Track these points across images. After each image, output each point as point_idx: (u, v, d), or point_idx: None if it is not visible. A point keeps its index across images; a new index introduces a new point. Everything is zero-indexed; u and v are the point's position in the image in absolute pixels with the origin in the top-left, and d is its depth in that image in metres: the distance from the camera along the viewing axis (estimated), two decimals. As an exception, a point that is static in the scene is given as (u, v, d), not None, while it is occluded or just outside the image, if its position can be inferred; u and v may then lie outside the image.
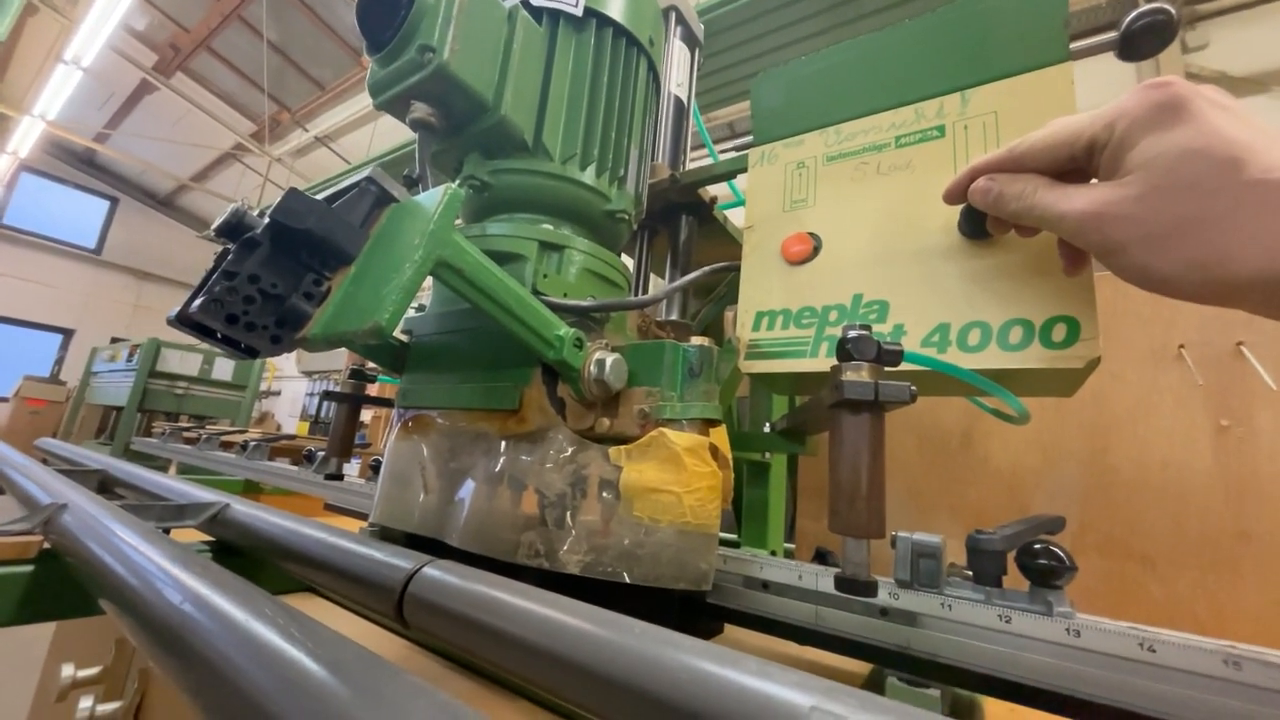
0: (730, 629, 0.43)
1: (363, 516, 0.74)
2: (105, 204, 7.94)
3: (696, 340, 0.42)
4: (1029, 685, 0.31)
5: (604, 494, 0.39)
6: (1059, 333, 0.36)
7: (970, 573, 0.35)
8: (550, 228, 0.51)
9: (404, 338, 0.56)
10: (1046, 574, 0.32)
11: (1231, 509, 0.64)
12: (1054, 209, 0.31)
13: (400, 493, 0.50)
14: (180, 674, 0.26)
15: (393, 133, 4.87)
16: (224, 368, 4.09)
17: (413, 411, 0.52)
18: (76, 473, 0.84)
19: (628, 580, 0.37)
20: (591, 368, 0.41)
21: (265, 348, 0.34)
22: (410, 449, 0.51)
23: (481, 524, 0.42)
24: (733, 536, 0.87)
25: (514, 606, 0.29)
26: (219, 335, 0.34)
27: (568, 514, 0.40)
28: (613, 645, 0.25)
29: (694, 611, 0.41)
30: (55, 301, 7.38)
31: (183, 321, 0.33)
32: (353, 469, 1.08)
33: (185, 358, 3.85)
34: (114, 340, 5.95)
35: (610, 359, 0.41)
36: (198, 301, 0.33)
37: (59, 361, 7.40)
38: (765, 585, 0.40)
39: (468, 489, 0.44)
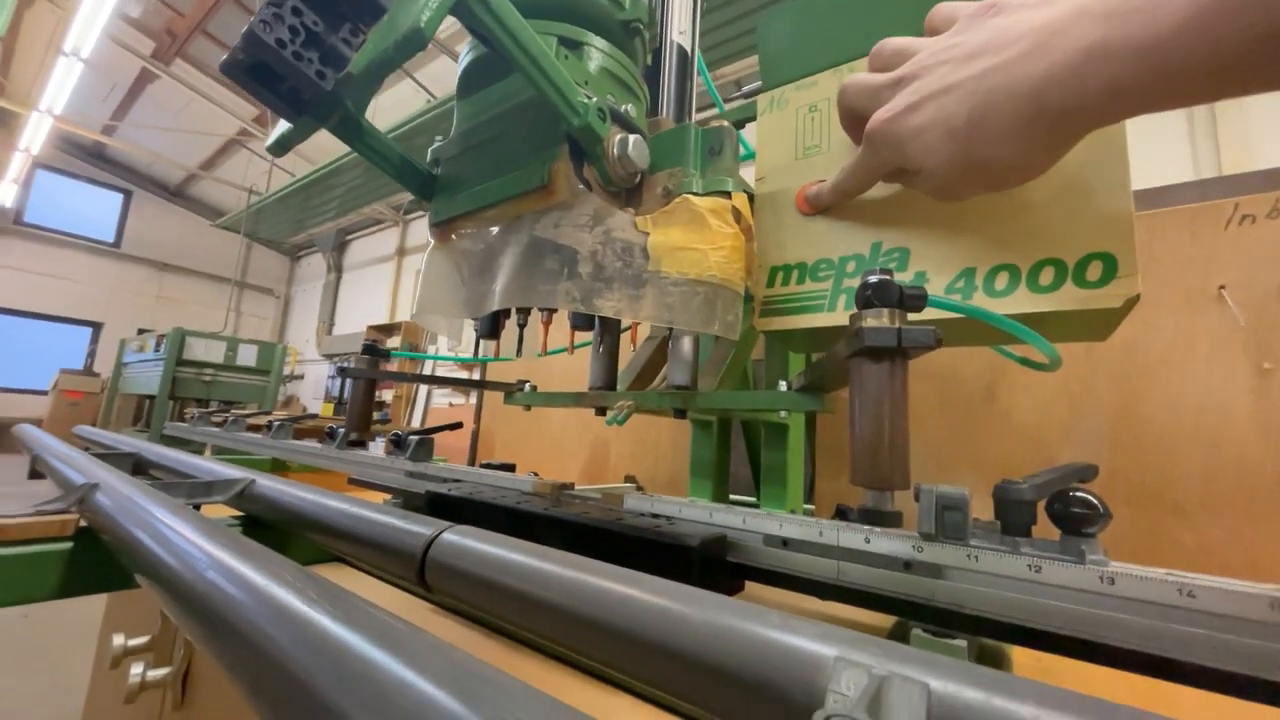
0: (751, 586, 0.42)
1: (386, 490, 0.76)
2: (119, 197, 8.04)
3: (716, 124, 0.45)
4: (1060, 634, 0.30)
5: (633, 254, 0.42)
6: (1094, 271, 0.34)
7: (997, 524, 0.34)
8: (570, 27, 0.50)
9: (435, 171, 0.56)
10: (1079, 521, 0.30)
11: (1271, 454, 0.62)
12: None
13: (439, 287, 0.53)
14: (209, 640, 0.27)
15: (395, 108, 4.81)
16: (248, 353, 4.19)
17: (446, 224, 0.53)
18: (111, 456, 0.87)
19: (660, 323, 0.40)
20: (615, 147, 0.42)
21: (309, 87, 0.33)
22: (446, 253, 0.53)
23: (521, 283, 0.45)
24: (751, 499, 0.87)
25: (532, 567, 0.29)
26: (263, 79, 0.33)
27: (600, 267, 0.42)
28: (633, 601, 0.25)
29: (714, 570, 0.41)
30: (81, 296, 7.58)
31: (232, 65, 0.32)
32: (378, 449, 1.10)
33: (210, 345, 3.95)
34: (141, 331, 6.12)
35: (633, 138, 0.43)
36: (252, 21, 0.32)
37: (91, 354, 7.64)
38: (785, 542, 0.40)
39: (504, 260, 0.47)
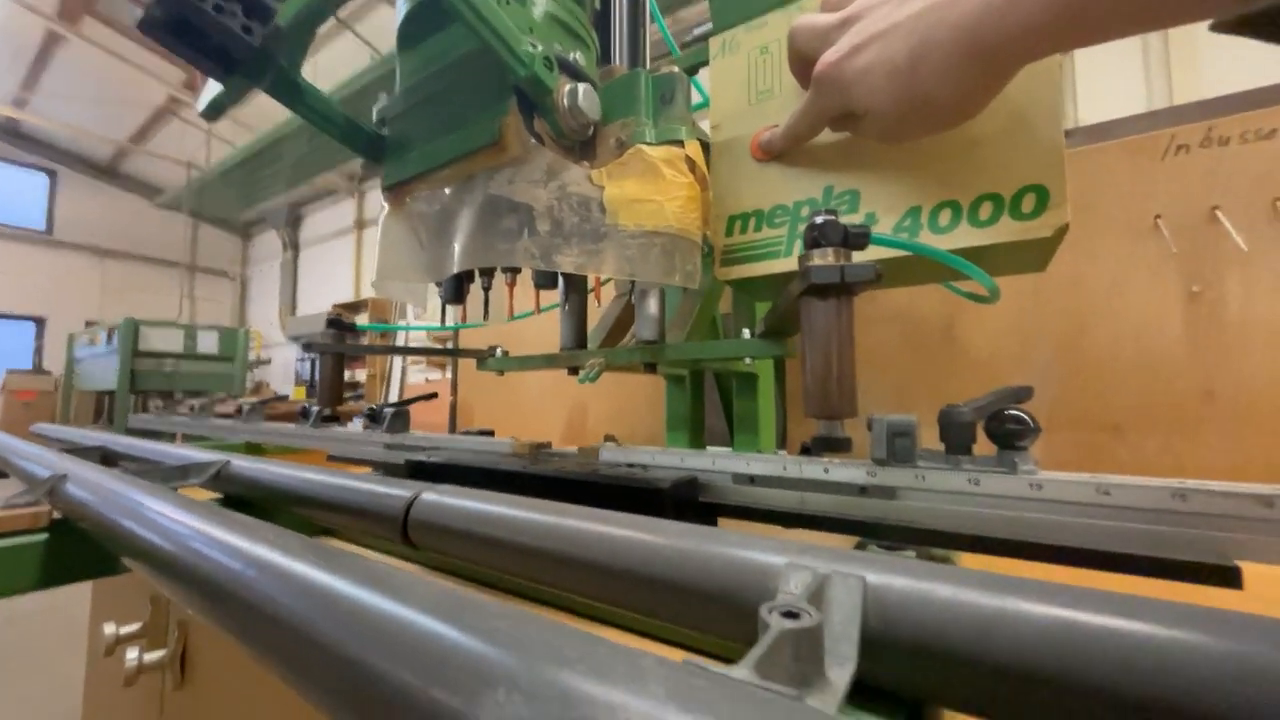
0: (723, 522, 0.45)
1: (366, 463, 0.76)
2: (44, 178, 7.45)
3: (666, 68, 0.44)
4: (998, 539, 0.33)
5: (590, 209, 0.42)
6: (1029, 203, 0.36)
7: (943, 446, 0.37)
8: None
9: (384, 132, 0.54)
10: (1011, 436, 0.33)
11: (1198, 371, 0.67)
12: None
13: (398, 253, 0.52)
14: (205, 608, 0.28)
15: (337, 64, 4.50)
16: (208, 340, 4.04)
17: (399, 187, 0.52)
18: (77, 450, 0.85)
19: (620, 276, 0.40)
20: (565, 98, 0.42)
21: (237, 44, 0.32)
22: (401, 217, 0.53)
23: (479, 243, 0.45)
24: (726, 450, 0.90)
25: (509, 515, 0.31)
26: (185, 37, 0.31)
27: (558, 224, 0.42)
28: (606, 536, 0.27)
29: (686, 510, 0.44)
30: (18, 290, 7.11)
31: (150, 23, 0.31)
32: (356, 428, 1.10)
33: (167, 335, 3.79)
34: (88, 324, 5.81)
35: (583, 87, 0.42)
36: None
37: (38, 351, 7.25)
38: (752, 479, 0.42)
39: (461, 221, 0.46)
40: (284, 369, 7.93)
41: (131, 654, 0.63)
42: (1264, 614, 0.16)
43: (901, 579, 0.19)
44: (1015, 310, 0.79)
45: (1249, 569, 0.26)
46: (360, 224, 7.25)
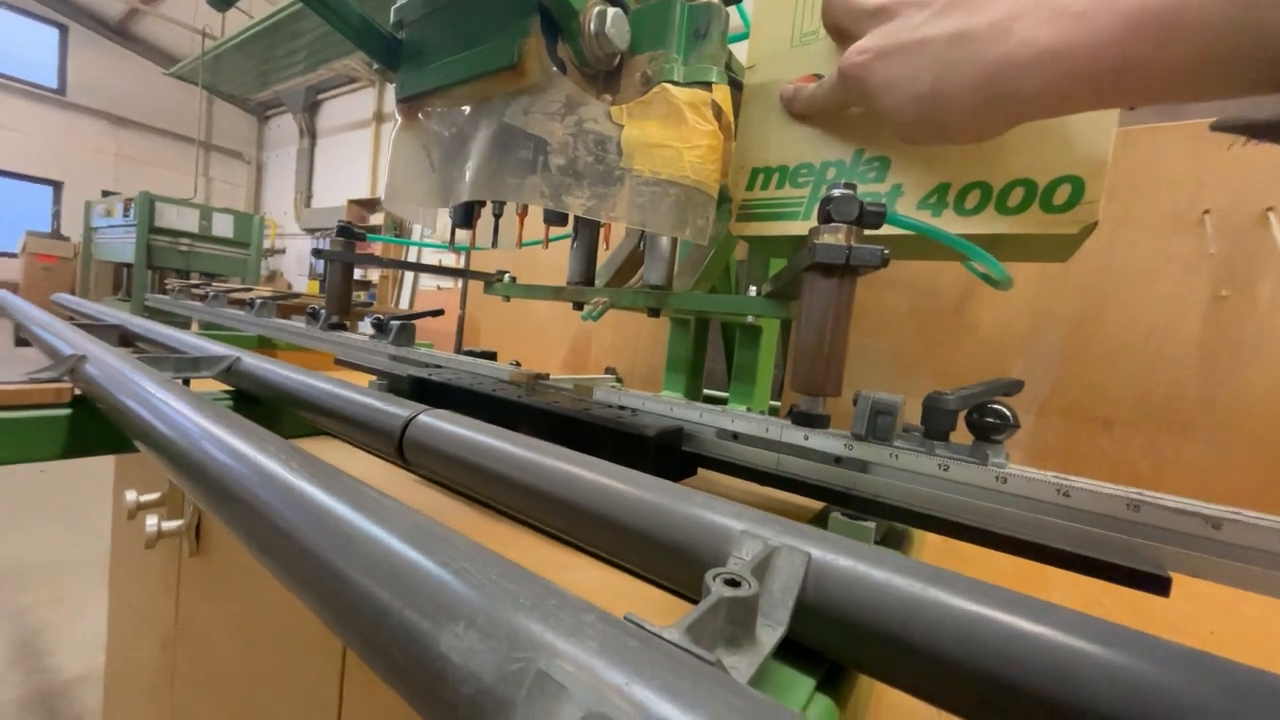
0: (704, 473, 0.47)
1: (372, 372, 0.79)
2: (54, 32, 7.11)
3: None
4: (958, 523, 0.35)
5: (606, 149, 0.41)
6: (1061, 195, 0.34)
7: (923, 429, 0.38)
8: None
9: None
10: (987, 430, 0.34)
11: (1202, 377, 0.66)
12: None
13: (408, 173, 0.51)
14: (207, 499, 0.30)
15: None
16: (223, 223, 4.03)
17: (412, 101, 0.51)
18: (96, 327, 0.88)
19: (630, 224, 0.39)
20: (592, 22, 0.39)
21: None
22: (413, 135, 0.51)
23: (490, 173, 0.43)
24: (723, 394, 0.92)
25: (496, 448, 0.32)
26: None
27: (570, 162, 0.41)
28: (582, 481, 0.29)
29: (669, 457, 0.46)
30: (31, 150, 7.00)
31: None
32: (368, 329, 1.12)
33: (182, 213, 3.78)
34: (105, 194, 5.77)
35: (613, 12, 0.39)
36: None
37: (56, 215, 7.27)
38: (735, 436, 0.44)
39: (474, 147, 0.45)
40: (298, 261, 7.93)
41: (151, 521, 0.69)
42: (1181, 617, 0.17)
43: (843, 559, 0.20)
44: (1032, 290, 0.77)
45: (1179, 580, 0.27)
46: (379, 117, 6.96)
